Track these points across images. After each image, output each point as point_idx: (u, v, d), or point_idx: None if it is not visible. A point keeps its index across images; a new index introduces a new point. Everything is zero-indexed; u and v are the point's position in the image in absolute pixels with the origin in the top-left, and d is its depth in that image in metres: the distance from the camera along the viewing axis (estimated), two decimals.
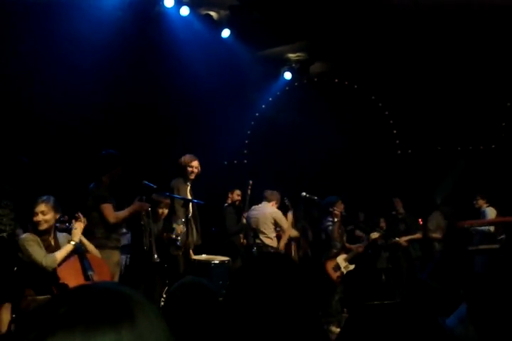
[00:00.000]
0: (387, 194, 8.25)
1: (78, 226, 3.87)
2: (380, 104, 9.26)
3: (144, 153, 7.25)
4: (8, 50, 5.94)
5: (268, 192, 6.46)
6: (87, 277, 3.65)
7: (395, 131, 9.34)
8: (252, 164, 8.81)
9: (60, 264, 3.64)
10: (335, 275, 6.45)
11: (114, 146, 6.99)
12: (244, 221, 6.37)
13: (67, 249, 3.70)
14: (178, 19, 7.02)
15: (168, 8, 6.80)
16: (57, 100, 6.40)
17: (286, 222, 6.28)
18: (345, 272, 6.52)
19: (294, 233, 6.70)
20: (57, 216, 3.79)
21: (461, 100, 8.57)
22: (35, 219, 3.70)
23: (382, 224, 7.77)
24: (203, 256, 5.48)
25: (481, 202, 7.55)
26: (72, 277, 3.58)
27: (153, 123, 7.61)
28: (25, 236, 3.74)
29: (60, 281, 3.56)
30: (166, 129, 7.65)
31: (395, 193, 8.15)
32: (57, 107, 6.39)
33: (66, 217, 4.07)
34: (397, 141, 9.35)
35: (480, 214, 7.49)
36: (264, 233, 6.19)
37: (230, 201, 6.82)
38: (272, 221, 6.20)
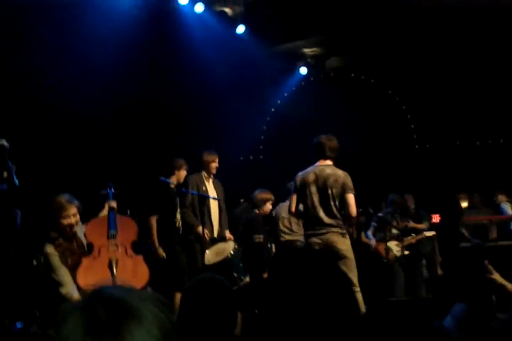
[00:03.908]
0: (404, 189, 8.18)
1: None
2: (397, 99, 9.18)
3: (159, 149, 7.30)
4: (26, 49, 6.02)
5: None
6: (108, 235, 3.75)
7: (412, 126, 9.25)
8: (267, 160, 8.81)
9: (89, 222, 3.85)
10: (388, 256, 6.77)
11: (129, 143, 7.09)
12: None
13: None
14: (193, 16, 7.04)
15: (182, 5, 6.82)
16: (72, 96, 6.47)
17: None
18: (398, 255, 6.85)
19: None
20: None
21: (479, 93, 8.46)
22: (68, 222, 3.58)
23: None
24: (213, 251, 5.52)
25: (501, 197, 7.51)
26: (96, 235, 3.74)
27: (168, 119, 7.65)
28: (50, 250, 3.59)
29: (87, 241, 3.75)
30: (181, 125, 7.69)
31: (411, 188, 8.09)
32: (74, 102, 6.47)
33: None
34: (415, 136, 9.26)
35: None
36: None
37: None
38: None
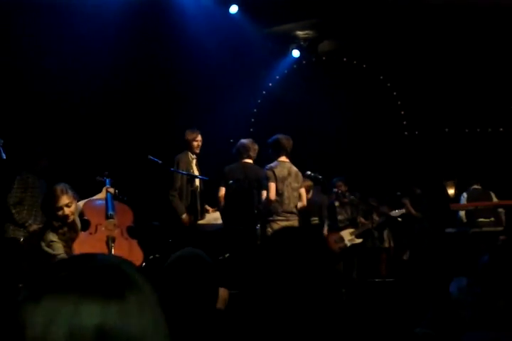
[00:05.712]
0: (393, 176, 8.23)
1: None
2: (389, 84, 9.17)
3: (150, 129, 7.25)
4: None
5: None
6: (107, 216, 3.75)
7: (402, 112, 9.26)
8: (258, 143, 8.77)
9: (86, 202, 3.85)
10: (336, 246, 6.60)
11: (119, 122, 7.03)
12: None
13: None
14: None
15: None
16: (69, 84, 6.43)
17: None
18: (348, 244, 6.68)
19: None
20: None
21: (470, 81, 8.47)
22: (62, 213, 3.49)
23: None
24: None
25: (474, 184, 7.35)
26: (94, 214, 3.78)
27: (160, 99, 7.58)
28: (54, 238, 3.51)
29: (84, 217, 3.74)
30: (172, 106, 7.63)
31: (399, 174, 8.13)
32: (70, 90, 6.43)
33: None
34: (405, 122, 9.28)
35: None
36: None
37: None
38: None
